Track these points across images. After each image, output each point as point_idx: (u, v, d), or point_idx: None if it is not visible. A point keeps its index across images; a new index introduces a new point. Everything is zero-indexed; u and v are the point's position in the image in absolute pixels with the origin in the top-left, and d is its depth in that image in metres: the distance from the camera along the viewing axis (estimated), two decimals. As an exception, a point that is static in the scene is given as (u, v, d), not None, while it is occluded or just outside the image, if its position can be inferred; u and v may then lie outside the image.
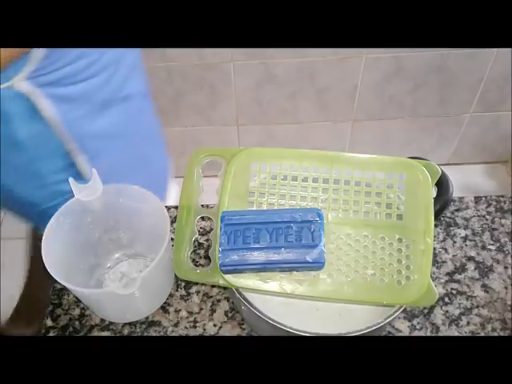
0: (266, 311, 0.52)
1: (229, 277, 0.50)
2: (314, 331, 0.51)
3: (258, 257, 0.48)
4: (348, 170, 0.53)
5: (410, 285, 0.50)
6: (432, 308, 0.64)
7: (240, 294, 0.54)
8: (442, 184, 0.57)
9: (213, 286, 0.66)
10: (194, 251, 0.69)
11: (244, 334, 0.63)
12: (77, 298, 0.65)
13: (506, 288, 0.66)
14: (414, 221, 0.52)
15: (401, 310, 0.52)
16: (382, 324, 0.51)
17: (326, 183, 0.53)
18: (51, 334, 0.64)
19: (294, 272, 0.51)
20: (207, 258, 0.66)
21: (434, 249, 0.69)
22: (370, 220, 0.53)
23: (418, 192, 0.52)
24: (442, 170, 0.53)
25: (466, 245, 0.70)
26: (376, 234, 0.52)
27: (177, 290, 0.66)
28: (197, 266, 0.66)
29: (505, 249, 0.70)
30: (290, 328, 0.51)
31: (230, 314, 0.64)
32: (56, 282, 0.67)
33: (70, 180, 0.58)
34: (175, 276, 0.66)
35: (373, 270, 0.51)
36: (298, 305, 0.58)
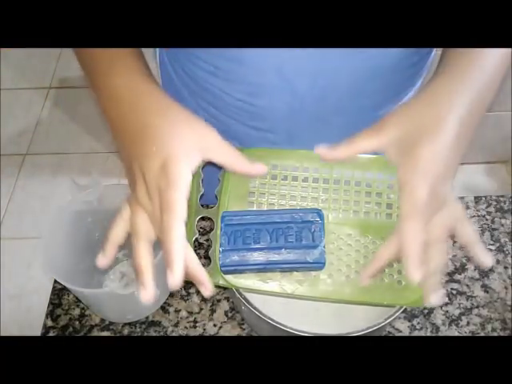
0: (265, 311, 0.52)
1: (229, 277, 0.50)
2: (314, 331, 0.51)
3: (258, 257, 0.48)
4: (348, 170, 0.53)
5: (410, 285, 0.50)
6: (432, 308, 0.64)
7: (240, 294, 0.54)
8: None
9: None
10: (194, 251, 0.68)
11: (244, 334, 0.63)
12: (77, 297, 0.65)
13: (505, 288, 0.66)
14: None
15: (401, 310, 0.52)
16: (382, 324, 0.51)
17: (326, 183, 0.53)
18: (51, 333, 0.64)
19: (295, 272, 0.50)
20: (207, 258, 0.66)
21: (434, 249, 0.69)
22: (370, 220, 0.53)
23: None
24: None
25: (466, 245, 0.70)
26: (376, 235, 0.52)
27: (177, 290, 0.66)
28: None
29: (505, 249, 0.70)
30: (290, 328, 0.51)
31: (229, 314, 0.64)
32: (56, 281, 0.67)
33: (70, 180, 0.58)
34: (175, 276, 0.66)
35: None
36: (298, 305, 0.58)
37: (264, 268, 0.49)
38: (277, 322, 0.51)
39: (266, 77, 0.57)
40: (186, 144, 0.44)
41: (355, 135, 0.47)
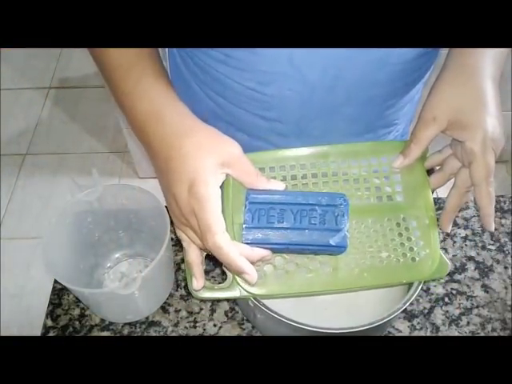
0: (281, 313, 0.52)
1: (248, 287, 0.50)
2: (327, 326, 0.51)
3: (281, 236, 0.48)
4: (343, 160, 0.54)
5: (423, 259, 0.51)
6: (432, 308, 0.64)
7: (258, 301, 0.52)
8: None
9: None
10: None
11: (244, 334, 0.63)
12: (77, 297, 0.65)
13: (505, 288, 0.66)
14: (413, 198, 0.53)
15: (402, 309, 0.52)
16: (387, 319, 0.51)
17: (325, 177, 0.53)
18: (51, 333, 0.64)
19: (312, 267, 0.50)
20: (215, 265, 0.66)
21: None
22: (373, 205, 0.53)
23: (411, 170, 0.53)
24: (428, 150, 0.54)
25: (465, 245, 0.70)
26: (381, 218, 0.53)
27: (177, 290, 0.66)
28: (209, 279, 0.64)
29: (505, 249, 0.70)
30: (314, 327, 0.51)
31: (229, 314, 0.64)
32: (56, 281, 0.67)
33: (70, 180, 0.58)
34: (175, 276, 0.67)
35: (387, 252, 0.52)
36: (306, 305, 0.59)
37: (286, 248, 0.49)
38: (299, 323, 0.51)
39: (276, 65, 0.57)
40: (210, 163, 0.46)
41: (414, 132, 0.52)
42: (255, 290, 0.50)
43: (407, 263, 0.51)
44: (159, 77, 0.52)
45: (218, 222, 0.45)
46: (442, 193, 0.62)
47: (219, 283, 0.51)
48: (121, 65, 0.52)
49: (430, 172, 0.55)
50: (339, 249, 0.49)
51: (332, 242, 0.48)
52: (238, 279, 0.50)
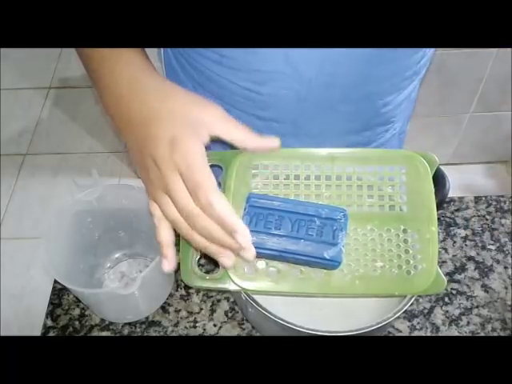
0: (273, 312, 0.52)
1: (238, 280, 0.50)
2: (321, 329, 0.51)
3: (276, 243, 0.48)
4: (349, 165, 0.53)
5: (419, 274, 0.50)
6: (432, 308, 0.64)
7: (248, 296, 0.53)
8: (438, 180, 0.57)
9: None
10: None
11: (244, 334, 0.63)
12: (77, 297, 0.65)
13: (505, 288, 0.66)
14: (417, 211, 0.52)
15: (402, 311, 0.52)
16: (385, 322, 0.51)
17: (328, 180, 0.53)
18: (51, 333, 0.64)
19: (305, 271, 0.50)
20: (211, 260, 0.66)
21: (434, 249, 0.69)
22: (374, 213, 0.53)
23: (418, 182, 0.52)
24: (438, 162, 0.53)
25: (465, 245, 0.70)
26: (381, 227, 0.52)
27: (177, 290, 0.66)
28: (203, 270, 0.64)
29: (505, 249, 0.70)
30: (300, 327, 0.51)
31: (229, 314, 0.64)
32: (56, 281, 0.67)
33: (70, 180, 0.58)
34: (175, 276, 0.66)
35: (382, 262, 0.51)
36: (302, 305, 0.58)
37: (280, 255, 0.48)
38: (287, 322, 0.51)
39: (272, 64, 0.57)
40: (190, 120, 0.44)
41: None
42: (245, 285, 0.50)
43: (401, 276, 0.50)
44: (139, 52, 0.51)
45: (210, 178, 0.42)
46: (457, 193, 0.61)
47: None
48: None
49: (435, 184, 0.55)
50: (333, 263, 0.48)
51: (326, 256, 0.48)
52: (230, 272, 0.50)
